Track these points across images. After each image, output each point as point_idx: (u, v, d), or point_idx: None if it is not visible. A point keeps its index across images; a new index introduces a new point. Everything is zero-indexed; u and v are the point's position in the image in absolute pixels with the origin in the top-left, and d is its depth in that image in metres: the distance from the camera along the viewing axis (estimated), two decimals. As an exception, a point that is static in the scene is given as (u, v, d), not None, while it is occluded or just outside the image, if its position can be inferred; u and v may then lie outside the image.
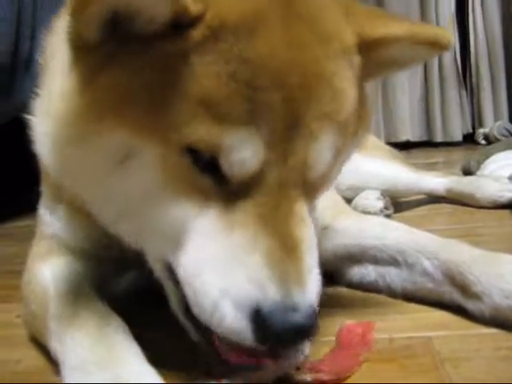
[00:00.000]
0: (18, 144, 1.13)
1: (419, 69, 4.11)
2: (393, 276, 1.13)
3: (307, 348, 0.84)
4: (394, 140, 3.90)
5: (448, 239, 1.11)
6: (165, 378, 0.79)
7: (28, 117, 0.97)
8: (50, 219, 1.11)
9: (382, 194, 1.86)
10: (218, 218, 0.77)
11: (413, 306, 1.09)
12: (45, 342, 0.94)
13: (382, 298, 1.14)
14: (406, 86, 4.08)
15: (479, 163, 2.31)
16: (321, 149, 0.79)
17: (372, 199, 1.83)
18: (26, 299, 1.05)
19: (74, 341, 0.84)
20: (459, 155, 3.34)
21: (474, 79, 4.09)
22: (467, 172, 2.35)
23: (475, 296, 0.98)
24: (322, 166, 0.81)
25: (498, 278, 0.96)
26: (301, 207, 0.79)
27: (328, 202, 1.16)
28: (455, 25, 4.05)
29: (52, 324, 0.91)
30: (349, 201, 1.76)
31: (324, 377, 0.83)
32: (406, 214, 1.96)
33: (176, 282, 0.82)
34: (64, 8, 0.88)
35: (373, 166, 1.90)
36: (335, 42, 0.82)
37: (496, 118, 3.97)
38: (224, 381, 0.80)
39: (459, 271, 1.01)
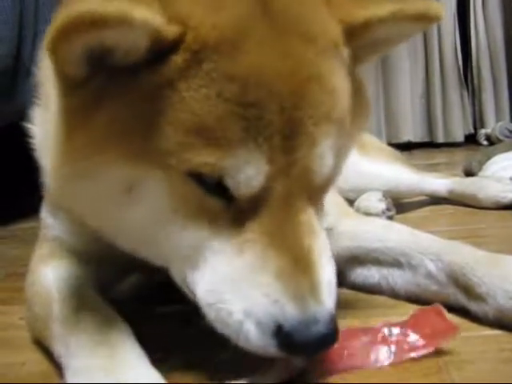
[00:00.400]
0: (21, 146, 1.13)
1: (421, 70, 4.11)
2: (396, 278, 1.13)
3: None
4: (395, 141, 3.90)
5: (451, 241, 1.11)
6: (169, 380, 0.79)
7: (27, 125, 0.98)
8: (52, 222, 1.11)
9: (383, 196, 1.86)
10: (228, 239, 0.78)
11: (414, 308, 1.08)
12: (48, 344, 0.94)
13: (385, 299, 1.14)
14: (407, 86, 4.08)
15: (481, 164, 2.31)
16: (322, 152, 0.79)
17: (374, 201, 1.83)
18: (30, 302, 1.05)
19: (77, 344, 0.84)
20: (461, 156, 3.33)
21: (475, 80, 4.09)
22: (469, 173, 2.35)
23: (479, 297, 0.98)
24: (325, 169, 0.81)
25: (501, 279, 0.96)
26: (308, 216, 0.79)
27: (331, 204, 1.16)
28: (457, 26, 4.05)
29: (55, 327, 0.91)
30: (351, 202, 1.76)
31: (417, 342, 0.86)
32: (408, 215, 1.96)
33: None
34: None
35: (375, 168, 1.90)
36: (321, 39, 0.81)
37: (498, 119, 3.96)
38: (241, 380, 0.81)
39: (463, 273, 1.01)
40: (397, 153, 2.13)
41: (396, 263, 1.13)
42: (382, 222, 1.32)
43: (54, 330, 0.91)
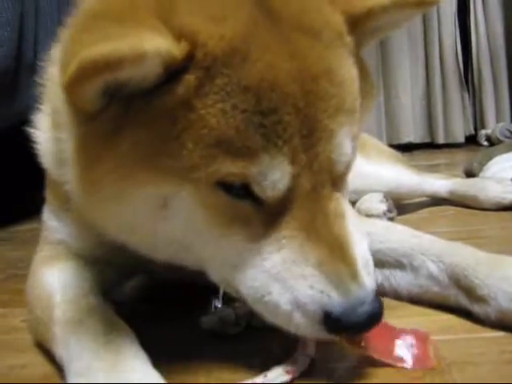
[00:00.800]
0: (20, 148, 1.14)
1: (421, 71, 4.11)
2: (398, 279, 1.13)
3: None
4: (396, 142, 3.90)
5: (453, 242, 1.11)
6: (171, 382, 0.79)
7: (30, 130, 0.98)
8: (56, 225, 1.11)
9: (384, 197, 1.86)
10: (264, 238, 0.81)
11: (417, 309, 1.08)
12: (50, 347, 0.94)
13: (387, 301, 1.13)
14: (408, 88, 4.08)
15: (482, 165, 2.31)
16: (340, 142, 0.81)
17: (375, 202, 1.83)
18: (31, 304, 1.05)
19: (79, 347, 0.84)
20: (461, 157, 3.34)
21: (475, 81, 4.09)
22: (470, 174, 2.35)
23: (481, 299, 0.98)
24: (345, 157, 0.83)
25: (503, 280, 0.97)
26: (335, 203, 0.82)
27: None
28: (457, 27, 4.05)
29: (57, 329, 0.91)
30: (352, 204, 1.76)
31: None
32: (409, 216, 1.96)
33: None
34: (58, 40, 0.92)
35: (376, 169, 1.90)
36: (325, 31, 0.82)
37: (498, 120, 3.97)
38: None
39: (464, 274, 1.01)
40: (397, 154, 2.13)
41: (398, 264, 1.13)
42: (384, 224, 1.31)
43: (55, 333, 0.91)
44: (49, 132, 1.00)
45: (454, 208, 2.00)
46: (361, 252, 0.82)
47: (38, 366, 0.99)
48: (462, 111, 4.07)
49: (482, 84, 4.05)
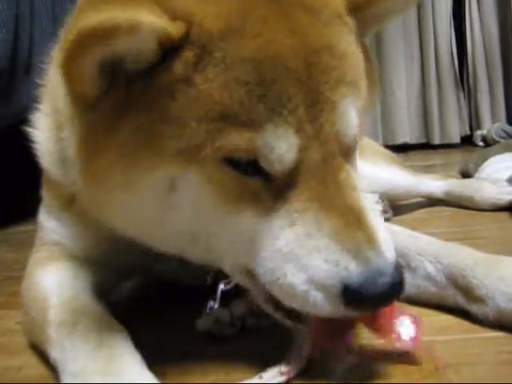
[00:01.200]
0: (18, 149, 1.13)
1: (416, 71, 4.11)
2: None
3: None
4: (391, 142, 3.90)
5: (450, 242, 1.11)
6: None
7: (29, 129, 0.98)
8: (53, 226, 1.10)
9: (380, 198, 1.85)
10: (276, 214, 0.78)
11: (414, 310, 1.08)
12: (45, 349, 0.93)
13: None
14: (403, 88, 4.08)
15: (477, 165, 2.31)
16: (344, 113, 0.80)
17: (370, 203, 1.83)
18: (26, 306, 1.05)
19: (74, 348, 0.83)
20: (457, 157, 3.34)
21: (471, 81, 4.10)
22: (465, 174, 2.35)
23: (479, 299, 0.98)
24: (350, 129, 0.82)
25: (501, 280, 0.97)
26: (346, 174, 0.80)
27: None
28: (452, 27, 4.05)
29: (52, 331, 0.90)
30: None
31: None
32: (405, 217, 1.96)
33: (259, 283, 0.84)
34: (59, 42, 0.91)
35: (371, 170, 1.89)
36: (325, 9, 0.82)
37: (494, 120, 3.97)
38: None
39: (462, 275, 1.01)
40: (393, 155, 2.13)
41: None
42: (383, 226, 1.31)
43: (50, 335, 0.90)
44: (48, 132, 1.00)
45: (449, 209, 2.01)
46: (378, 222, 0.80)
47: (34, 367, 0.98)
48: (458, 112, 4.07)
49: (477, 84, 4.05)
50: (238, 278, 0.90)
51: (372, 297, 0.75)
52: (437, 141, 4.05)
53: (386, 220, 1.78)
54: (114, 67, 0.76)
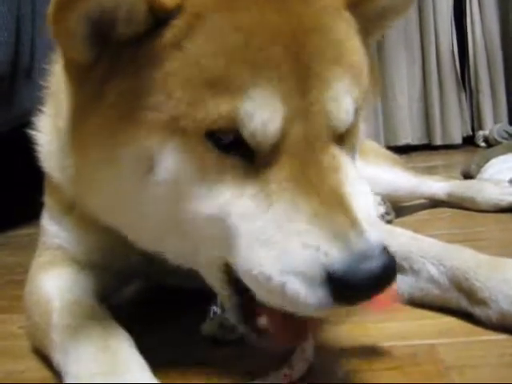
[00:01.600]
0: (18, 152, 1.13)
1: (418, 72, 4.11)
2: (399, 282, 1.13)
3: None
4: (393, 144, 3.89)
5: (453, 245, 1.11)
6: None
7: (32, 132, 0.98)
8: (55, 230, 1.10)
9: (382, 200, 1.85)
10: (254, 196, 0.74)
11: (417, 312, 1.08)
12: (48, 353, 0.94)
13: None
14: (405, 89, 4.08)
15: (479, 166, 2.31)
16: (337, 95, 0.77)
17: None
18: (29, 310, 1.05)
19: (77, 352, 0.83)
20: (459, 158, 3.34)
21: (472, 82, 4.09)
22: (467, 175, 2.35)
23: (482, 302, 0.98)
24: (343, 113, 0.78)
25: (504, 283, 0.97)
26: (330, 157, 0.75)
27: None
28: (453, 28, 4.05)
29: (55, 335, 0.90)
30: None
31: None
32: (407, 218, 1.95)
33: (234, 287, 0.82)
34: None
35: (373, 172, 1.89)
36: (321, 2, 0.81)
37: (495, 121, 3.96)
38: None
39: (465, 277, 1.01)
40: (395, 156, 2.13)
41: (399, 268, 1.12)
42: (384, 227, 1.31)
43: (53, 339, 0.91)
44: (51, 134, 1.00)
45: (451, 210, 2.00)
46: (361, 204, 0.73)
47: (37, 371, 0.99)
48: (460, 112, 4.07)
49: (478, 85, 4.04)
50: (214, 277, 0.85)
51: (361, 283, 0.67)
52: (439, 142, 4.04)
53: (389, 222, 1.79)
54: (105, 32, 0.76)
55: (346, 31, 0.83)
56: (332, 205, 0.71)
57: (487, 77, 4.04)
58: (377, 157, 1.96)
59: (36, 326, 1.01)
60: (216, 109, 0.72)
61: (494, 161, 2.28)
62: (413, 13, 4.01)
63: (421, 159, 3.55)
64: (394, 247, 1.13)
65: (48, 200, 1.12)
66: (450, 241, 1.14)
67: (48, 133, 1.02)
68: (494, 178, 2.09)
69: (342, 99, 0.78)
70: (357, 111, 0.82)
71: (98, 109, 0.78)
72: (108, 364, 0.80)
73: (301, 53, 0.75)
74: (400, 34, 4.04)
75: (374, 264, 0.68)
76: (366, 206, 0.74)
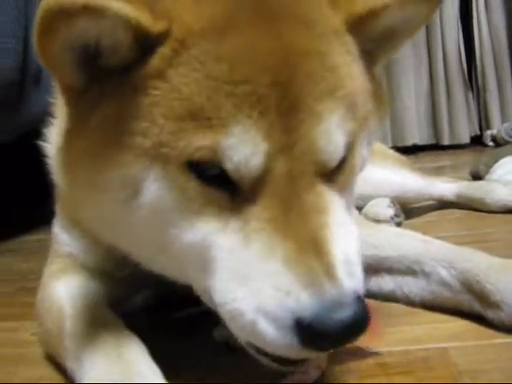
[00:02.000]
0: (28, 158, 1.14)
1: (425, 72, 4.10)
2: (410, 286, 1.13)
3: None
4: (401, 144, 3.89)
5: (464, 247, 1.11)
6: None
7: (41, 143, 0.99)
8: (66, 239, 1.11)
9: (391, 202, 1.85)
10: (235, 231, 0.74)
11: (428, 315, 1.08)
12: (61, 360, 0.94)
13: (397, 307, 1.14)
14: (412, 89, 4.07)
15: (488, 167, 2.30)
16: (328, 129, 0.75)
17: (382, 207, 1.83)
18: (41, 317, 1.06)
19: (91, 361, 0.84)
20: (467, 158, 3.32)
21: (479, 81, 4.08)
22: (476, 176, 2.34)
23: (494, 305, 0.98)
24: (333, 148, 0.76)
25: None
26: (315, 197, 0.74)
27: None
28: (460, 27, 4.04)
29: (68, 343, 0.91)
30: (359, 209, 1.76)
31: None
32: (416, 220, 1.95)
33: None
34: None
35: (382, 174, 1.89)
36: (319, 25, 0.79)
37: (503, 120, 3.95)
38: None
39: (476, 280, 1.01)
40: (403, 158, 2.13)
41: (410, 271, 1.13)
42: (394, 230, 1.32)
43: (66, 347, 0.91)
44: (58, 145, 1.01)
45: (460, 211, 2.00)
46: (341, 250, 0.72)
47: (52, 378, 0.99)
48: (467, 112, 4.06)
49: (486, 84, 4.03)
50: (208, 304, 0.83)
51: (329, 332, 0.66)
52: (446, 141, 4.03)
53: (398, 224, 1.79)
54: (93, 59, 0.76)
55: (343, 57, 0.80)
56: (308, 250, 0.70)
57: (494, 76, 4.02)
58: (385, 159, 1.96)
59: (48, 333, 1.01)
60: (197, 141, 0.72)
61: (502, 161, 2.27)
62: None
63: (428, 160, 3.54)
64: (405, 250, 1.14)
65: (59, 209, 1.14)
66: (459, 242, 1.15)
67: (56, 145, 1.02)
68: (503, 179, 2.08)
69: (333, 134, 0.76)
70: (351, 144, 0.80)
71: (84, 132, 0.78)
72: (122, 372, 0.80)
73: (291, 84, 0.73)
74: (406, 34, 4.03)
75: (345, 313, 0.67)
76: (347, 250, 0.73)
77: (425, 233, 1.21)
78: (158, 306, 1.20)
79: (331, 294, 0.68)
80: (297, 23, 0.77)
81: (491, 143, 3.80)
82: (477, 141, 4.01)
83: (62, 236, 1.12)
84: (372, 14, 0.83)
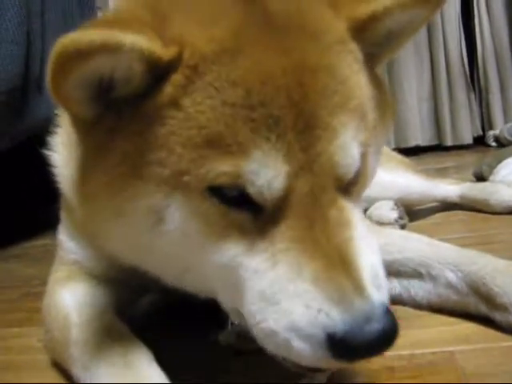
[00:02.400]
0: (33, 163, 1.14)
1: (427, 73, 4.10)
2: (417, 289, 1.13)
3: None
4: (403, 145, 3.89)
5: (470, 250, 1.11)
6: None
7: (46, 152, 0.99)
8: (72, 246, 1.11)
9: (396, 204, 1.85)
10: (261, 252, 0.74)
11: (435, 318, 1.08)
12: (67, 367, 0.95)
13: (404, 311, 1.14)
14: (414, 91, 4.07)
15: (491, 167, 2.29)
16: (344, 143, 0.75)
17: (386, 210, 1.82)
18: (48, 325, 1.06)
19: (98, 368, 0.84)
20: (470, 158, 3.32)
21: (482, 81, 4.07)
22: (479, 177, 2.33)
23: (501, 307, 0.98)
24: (350, 161, 0.77)
25: None
26: (338, 211, 0.75)
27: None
28: (461, 27, 4.04)
29: (75, 351, 0.91)
30: (363, 212, 1.76)
31: None
32: (420, 222, 1.95)
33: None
34: None
35: (386, 177, 1.88)
36: (325, 35, 0.79)
37: (506, 120, 3.94)
38: None
39: (483, 283, 1.01)
40: (406, 160, 2.12)
41: (416, 274, 1.13)
42: (400, 233, 1.31)
43: (73, 354, 0.91)
44: (65, 157, 1.00)
45: (464, 213, 1.99)
46: (368, 263, 0.73)
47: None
48: (469, 112, 4.05)
49: (488, 84, 4.03)
50: (236, 319, 0.84)
51: (361, 346, 0.68)
52: (449, 142, 4.03)
53: (403, 226, 1.78)
54: (105, 89, 0.75)
55: (352, 69, 0.80)
56: (335, 266, 0.71)
57: (496, 76, 4.02)
58: (388, 161, 1.95)
59: (55, 341, 1.01)
60: (218, 167, 0.72)
61: (506, 162, 2.27)
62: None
63: (431, 161, 3.53)
64: (411, 253, 1.14)
65: (64, 217, 1.13)
66: (464, 244, 1.15)
67: (62, 155, 1.03)
68: (506, 180, 2.08)
69: (349, 147, 0.76)
70: (363, 155, 0.80)
71: (102, 166, 0.78)
72: (129, 380, 0.80)
73: (304, 102, 0.73)
74: (407, 35, 4.02)
75: (375, 327, 0.68)
76: (372, 264, 0.74)
77: (429, 235, 1.21)
78: (163, 309, 1.20)
79: (361, 309, 0.69)
80: (304, 36, 0.77)
81: (494, 143, 3.79)
82: (479, 141, 4.00)
83: (68, 244, 1.12)
84: (374, 18, 0.83)
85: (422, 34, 4.06)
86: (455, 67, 4.04)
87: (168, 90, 0.74)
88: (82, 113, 0.78)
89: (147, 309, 1.22)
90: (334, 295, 0.69)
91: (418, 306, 1.13)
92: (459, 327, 1.03)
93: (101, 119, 0.78)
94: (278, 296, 0.72)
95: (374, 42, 0.87)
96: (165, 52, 0.72)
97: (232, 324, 1.00)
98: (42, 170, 1.05)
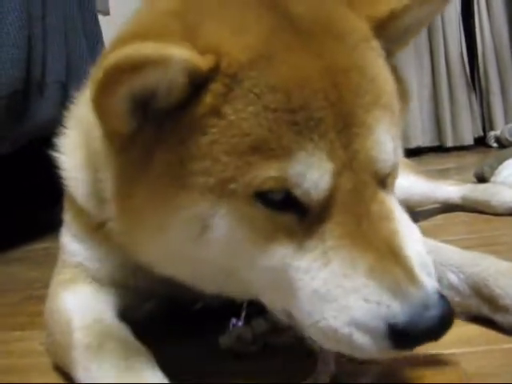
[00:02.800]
0: (34, 166, 1.14)
1: (427, 74, 4.11)
2: None
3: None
4: (405, 146, 3.87)
5: (473, 252, 1.11)
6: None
7: (54, 154, 0.98)
8: (77, 249, 1.10)
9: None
10: (311, 251, 0.75)
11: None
12: (70, 371, 0.94)
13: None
14: (414, 92, 4.07)
15: (493, 168, 2.29)
16: (380, 138, 0.78)
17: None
18: (50, 328, 1.06)
19: (100, 372, 0.84)
20: (471, 159, 3.32)
21: (482, 82, 4.08)
22: (480, 178, 2.33)
23: (503, 309, 0.98)
24: (387, 155, 0.79)
25: None
26: (380, 205, 0.76)
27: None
28: (461, 28, 4.05)
29: (77, 354, 0.91)
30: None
31: None
32: (422, 224, 1.94)
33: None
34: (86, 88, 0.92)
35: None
36: (351, 35, 0.81)
37: (507, 121, 3.95)
38: None
39: (485, 284, 1.01)
40: (407, 161, 2.12)
41: None
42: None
43: (75, 357, 0.91)
44: (76, 161, 1.01)
45: (466, 214, 1.99)
46: (415, 252, 0.75)
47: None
48: (470, 113, 4.06)
49: (488, 85, 4.04)
50: (280, 316, 0.85)
51: (422, 333, 0.70)
52: (450, 143, 4.03)
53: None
54: (146, 103, 0.76)
55: (379, 66, 0.83)
56: (387, 258, 0.73)
57: (497, 77, 4.03)
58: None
59: (57, 344, 1.01)
60: (264, 172, 0.73)
61: (507, 162, 2.26)
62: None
63: (432, 162, 3.54)
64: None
65: (69, 220, 1.12)
66: (466, 246, 1.14)
67: (73, 158, 1.03)
68: (508, 181, 2.08)
69: (384, 142, 0.78)
70: (395, 148, 0.82)
71: (145, 179, 0.78)
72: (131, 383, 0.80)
73: (340, 102, 0.75)
74: (408, 36, 4.03)
75: (433, 313, 0.70)
76: (419, 253, 0.76)
77: (431, 236, 1.20)
78: (168, 313, 1.20)
79: (418, 297, 0.71)
80: (331, 38, 0.79)
81: (495, 144, 3.80)
82: (480, 142, 4.01)
83: (71, 246, 1.11)
84: (394, 17, 0.86)
85: (423, 35, 4.07)
86: (456, 68, 4.05)
87: (208, 99, 0.75)
88: (121, 127, 0.78)
89: (152, 311, 1.22)
90: (391, 287, 0.71)
91: None
92: (461, 329, 1.02)
93: (139, 132, 0.78)
94: (334, 293, 0.73)
95: (393, 38, 0.89)
96: (203, 62, 0.73)
97: (233, 326, 1.00)
98: (43, 173, 1.05)
